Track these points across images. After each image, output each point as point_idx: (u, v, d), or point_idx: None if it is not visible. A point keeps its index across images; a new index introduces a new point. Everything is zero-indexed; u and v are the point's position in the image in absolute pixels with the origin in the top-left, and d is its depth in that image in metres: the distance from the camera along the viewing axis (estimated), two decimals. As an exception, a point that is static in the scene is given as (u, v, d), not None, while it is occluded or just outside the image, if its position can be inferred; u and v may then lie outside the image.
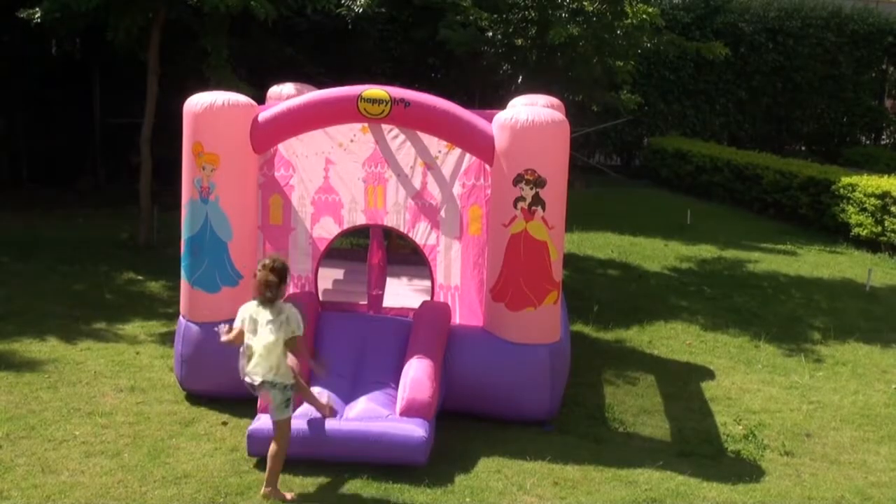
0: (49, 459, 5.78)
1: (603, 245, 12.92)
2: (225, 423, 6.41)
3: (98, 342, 8.01)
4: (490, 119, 6.60)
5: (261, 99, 8.04)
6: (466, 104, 6.93)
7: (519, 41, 12.05)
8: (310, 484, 5.58)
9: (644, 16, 11.14)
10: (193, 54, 11.60)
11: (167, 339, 8.14)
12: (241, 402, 6.63)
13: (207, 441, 6.14)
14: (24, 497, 5.32)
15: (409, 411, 6.00)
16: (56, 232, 12.13)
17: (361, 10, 11.50)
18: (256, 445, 5.80)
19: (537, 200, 6.36)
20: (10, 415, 6.41)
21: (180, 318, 6.93)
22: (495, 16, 12.10)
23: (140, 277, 10.13)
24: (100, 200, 14.27)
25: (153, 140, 11.47)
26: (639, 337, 8.93)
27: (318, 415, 5.93)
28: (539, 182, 6.34)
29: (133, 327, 8.46)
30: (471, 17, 12.22)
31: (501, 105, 8.15)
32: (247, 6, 9.84)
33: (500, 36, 12.13)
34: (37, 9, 10.23)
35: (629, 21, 11.20)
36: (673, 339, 8.91)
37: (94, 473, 5.63)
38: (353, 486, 5.57)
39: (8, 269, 10.18)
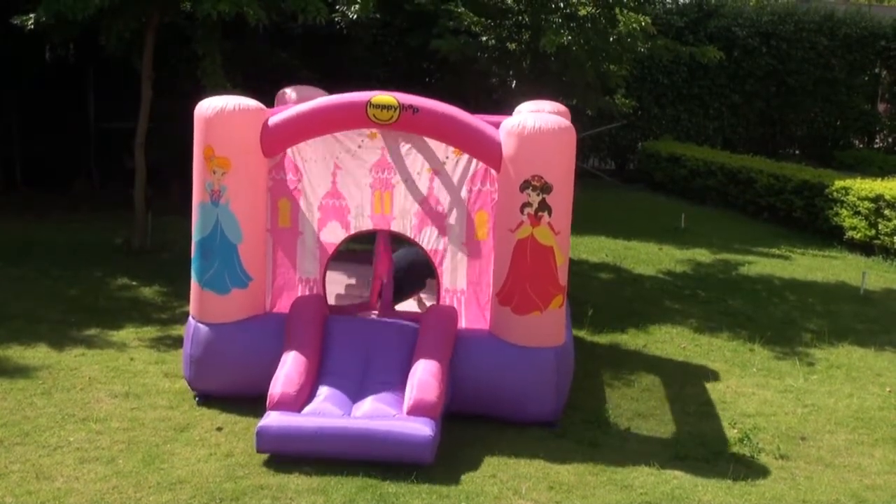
0: (43, 466, 5.76)
1: (597, 249, 12.94)
2: (220, 429, 6.40)
3: (92, 348, 7.99)
4: (497, 125, 6.63)
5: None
6: (461, 109, 6.94)
7: (512, 46, 12.06)
8: (304, 488, 5.57)
9: (635, 24, 11.16)
10: (187, 59, 11.60)
11: (161, 344, 8.14)
12: (235, 407, 6.65)
13: (202, 447, 6.13)
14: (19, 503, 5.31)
15: (416, 411, 6.05)
16: (50, 236, 12.10)
17: (356, 16, 11.47)
18: (265, 442, 5.86)
19: (544, 206, 6.40)
20: (3, 421, 6.39)
21: (189, 318, 6.96)
22: (489, 21, 12.11)
23: (134, 283, 10.11)
24: (94, 204, 14.25)
25: (147, 144, 11.45)
26: (634, 340, 8.94)
27: (326, 414, 5.99)
28: (546, 188, 6.38)
29: (127, 333, 8.44)
30: (464, 23, 12.23)
31: (498, 110, 8.16)
32: (239, 11, 9.84)
33: (493, 41, 12.15)
34: (31, 15, 10.21)
35: (621, 28, 11.22)
36: (668, 343, 8.92)
37: (88, 480, 5.61)
38: (348, 491, 5.55)
39: (1, 274, 10.15)
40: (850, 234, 13.44)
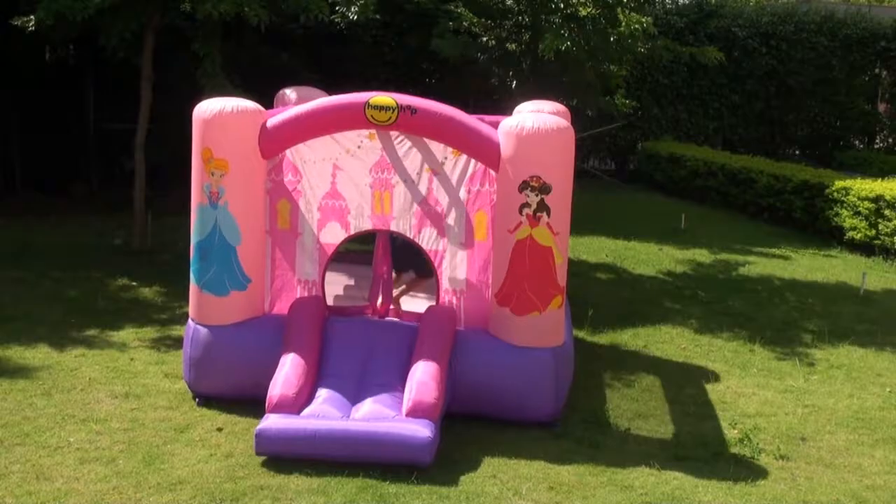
0: (44, 466, 5.77)
1: (597, 249, 12.94)
2: (220, 430, 6.40)
3: (92, 348, 7.99)
4: (496, 125, 6.63)
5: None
6: (460, 109, 6.94)
7: (512, 46, 12.07)
8: (304, 488, 5.57)
9: (636, 25, 11.16)
10: (187, 59, 11.61)
11: (161, 344, 8.14)
12: (235, 408, 6.65)
13: (202, 447, 6.13)
14: (19, 504, 5.31)
15: (415, 413, 6.05)
16: (49, 237, 12.10)
17: (356, 17, 11.47)
18: (264, 445, 5.87)
19: (542, 207, 6.41)
20: (4, 421, 6.39)
21: (189, 321, 6.96)
22: (489, 21, 12.12)
23: (134, 283, 10.11)
24: (93, 206, 14.24)
25: (147, 145, 11.45)
26: (634, 341, 8.94)
27: (325, 416, 5.99)
28: (544, 188, 6.39)
29: (127, 333, 8.44)
30: (464, 24, 12.24)
31: (498, 110, 8.15)
32: (240, 12, 9.84)
33: (493, 41, 12.15)
34: (31, 17, 10.21)
35: (622, 29, 11.22)
36: (668, 343, 8.92)
37: (88, 480, 5.61)
38: (348, 492, 5.56)
39: (1, 275, 10.15)
40: (850, 234, 13.43)
